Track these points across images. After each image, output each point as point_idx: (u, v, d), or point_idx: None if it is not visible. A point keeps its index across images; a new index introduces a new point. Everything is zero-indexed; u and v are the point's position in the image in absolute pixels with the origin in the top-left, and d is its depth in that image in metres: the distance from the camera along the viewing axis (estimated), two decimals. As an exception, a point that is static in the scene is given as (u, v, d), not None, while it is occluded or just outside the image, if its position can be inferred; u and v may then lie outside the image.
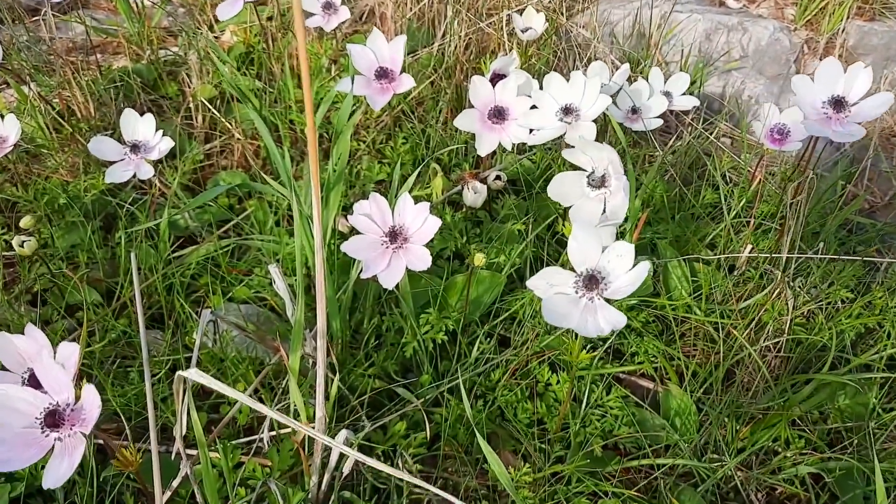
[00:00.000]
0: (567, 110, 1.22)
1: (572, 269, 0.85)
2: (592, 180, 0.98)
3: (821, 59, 2.24)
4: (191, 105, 1.69)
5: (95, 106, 1.68)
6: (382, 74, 1.31)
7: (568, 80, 1.26)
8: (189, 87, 1.76)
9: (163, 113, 1.75)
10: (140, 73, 1.83)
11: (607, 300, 0.83)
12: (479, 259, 1.04)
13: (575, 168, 1.01)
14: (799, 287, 1.24)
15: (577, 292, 0.83)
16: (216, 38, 1.93)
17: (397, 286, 1.06)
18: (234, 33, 1.90)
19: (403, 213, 1.06)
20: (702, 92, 2.05)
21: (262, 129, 1.15)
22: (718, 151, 1.84)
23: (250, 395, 1.03)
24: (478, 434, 0.90)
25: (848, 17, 2.21)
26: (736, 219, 1.41)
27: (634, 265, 0.83)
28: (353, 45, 1.31)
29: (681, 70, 2.08)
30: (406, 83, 1.30)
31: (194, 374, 0.63)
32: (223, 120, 1.65)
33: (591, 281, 0.83)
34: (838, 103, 1.16)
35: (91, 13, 2.18)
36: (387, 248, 1.05)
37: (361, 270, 1.03)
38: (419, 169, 1.34)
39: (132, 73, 1.80)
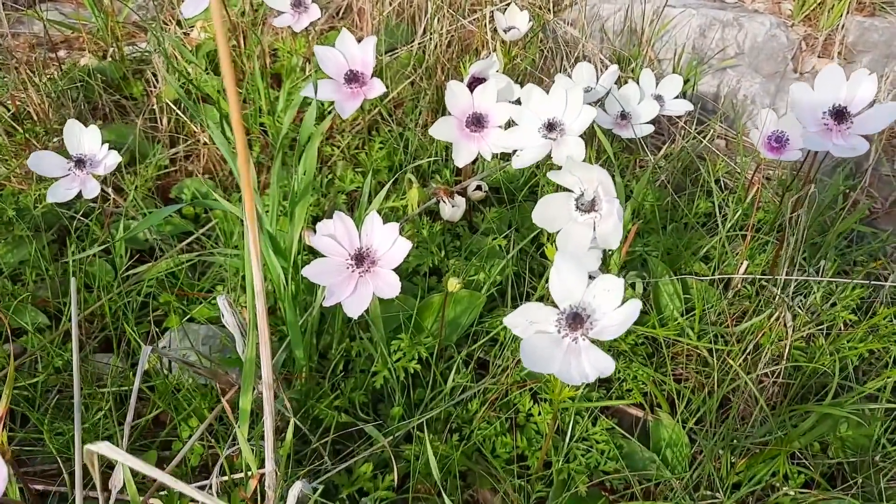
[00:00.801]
0: (550, 126, 1.13)
1: (554, 305, 0.77)
2: (581, 204, 0.89)
3: (819, 57, 2.16)
4: (155, 107, 1.59)
5: (54, 108, 1.58)
6: (352, 78, 1.21)
7: (549, 89, 1.17)
8: (155, 88, 1.66)
9: (126, 115, 1.65)
10: (103, 71, 1.73)
11: (593, 341, 0.75)
12: (454, 285, 0.96)
13: (562, 189, 0.92)
14: (798, 307, 1.16)
15: (559, 331, 0.75)
16: (184, 34, 1.83)
17: (366, 310, 0.97)
18: (202, 30, 1.80)
19: (371, 234, 0.97)
20: (695, 92, 1.97)
21: (220, 141, 1.06)
22: (712, 156, 1.76)
23: (204, 433, 0.95)
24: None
25: (847, 13, 2.12)
26: (731, 231, 1.33)
27: (624, 298, 0.75)
28: (320, 47, 1.22)
29: (674, 69, 2.00)
30: (377, 88, 1.21)
31: (104, 449, 0.55)
32: (189, 123, 1.56)
33: (576, 319, 0.74)
34: (840, 114, 1.07)
35: (58, 6, 2.07)
36: (352, 272, 0.96)
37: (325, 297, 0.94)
38: (392, 180, 1.25)
39: (95, 72, 1.70)
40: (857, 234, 1.53)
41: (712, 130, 1.79)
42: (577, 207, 0.89)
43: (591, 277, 0.96)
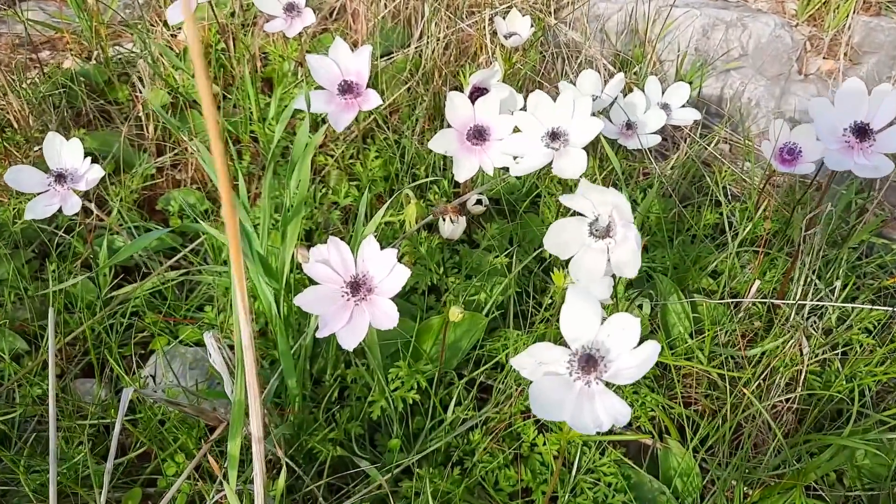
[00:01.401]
0: (554, 135, 1.08)
1: (565, 344, 0.71)
2: (596, 229, 0.83)
3: (824, 58, 2.11)
4: (141, 113, 1.53)
5: (35, 114, 1.52)
6: (346, 89, 1.16)
7: (556, 96, 1.11)
8: (141, 93, 1.60)
9: (111, 121, 1.59)
10: (87, 75, 1.67)
11: (608, 384, 0.69)
12: (456, 315, 0.90)
13: (574, 214, 0.87)
14: (811, 327, 1.12)
15: (571, 374, 0.70)
16: (172, 36, 1.76)
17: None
18: (191, 31, 1.73)
19: (367, 260, 0.92)
20: (700, 95, 1.91)
21: (206, 157, 1.00)
22: (717, 163, 1.71)
23: (191, 472, 0.89)
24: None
25: (853, 13, 2.07)
26: (741, 247, 1.28)
27: (641, 335, 0.69)
28: (313, 56, 1.16)
29: (676, 71, 1.94)
30: (373, 100, 1.15)
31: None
32: (177, 130, 1.50)
33: (589, 362, 0.69)
34: (862, 131, 1.02)
35: (41, 4, 2.00)
36: (347, 300, 0.91)
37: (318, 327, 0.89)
38: (389, 200, 1.19)
39: (78, 76, 1.64)
40: (867, 245, 1.48)
41: (717, 137, 1.74)
42: (591, 233, 0.84)
43: (602, 307, 0.91)
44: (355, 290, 0.90)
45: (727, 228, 1.35)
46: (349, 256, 0.92)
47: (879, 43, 2.07)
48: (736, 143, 1.90)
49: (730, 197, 1.66)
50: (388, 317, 0.88)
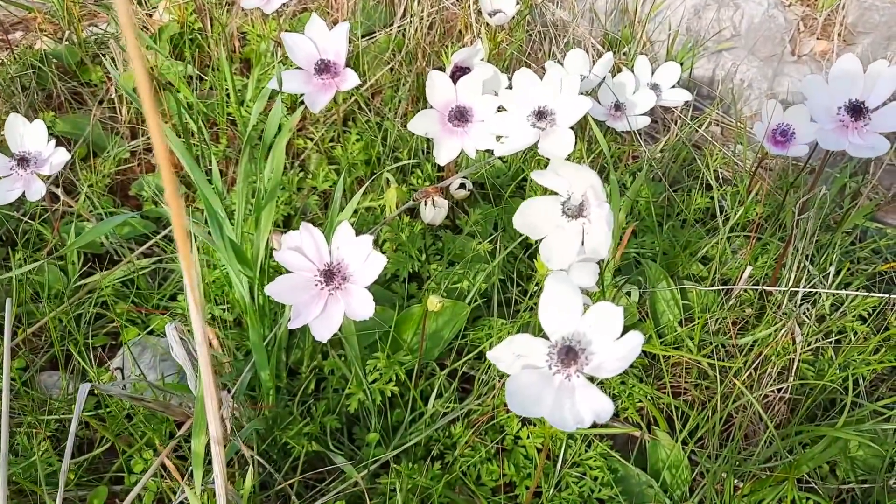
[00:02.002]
0: (540, 114, 1.04)
1: (545, 336, 0.67)
2: (568, 208, 0.79)
3: (818, 39, 2.07)
4: (114, 95, 1.48)
5: (4, 97, 1.46)
6: (324, 69, 1.11)
7: (542, 75, 1.07)
8: (115, 74, 1.54)
9: (83, 104, 1.53)
10: (59, 56, 1.61)
11: (590, 378, 0.66)
12: (435, 304, 0.86)
13: (549, 193, 0.83)
14: (805, 315, 1.08)
15: (550, 367, 0.66)
16: (147, 15, 1.70)
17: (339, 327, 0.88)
18: (167, 10, 1.68)
19: (342, 247, 0.88)
20: (691, 76, 1.87)
21: (176, 143, 0.95)
22: (708, 145, 1.67)
23: (159, 466, 0.85)
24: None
25: (847, -8, 2.03)
26: (732, 232, 1.25)
27: (625, 326, 0.66)
28: (289, 34, 1.11)
29: (667, 52, 1.90)
30: (351, 79, 1.10)
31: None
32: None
33: (569, 354, 0.65)
34: (856, 109, 0.99)
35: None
36: (321, 289, 0.87)
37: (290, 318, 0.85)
38: (369, 181, 1.15)
39: (51, 57, 1.58)
40: (861, 229, 1.45)
41: (708, 119, 1.70)
42: (564, 212, 0.79)
43: (586, 293, 0.87)
44: (329, 278, 0.86)
45: (718, 213, 1.31)
46: (323, 243, 0.88)
47: (874, 23, 2.03)
48: (727, 126, 1.86)
49: (721, 181, 1.62)
50: (363, 306, 0.84)
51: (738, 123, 1.81)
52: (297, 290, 0.86)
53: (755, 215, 1.30)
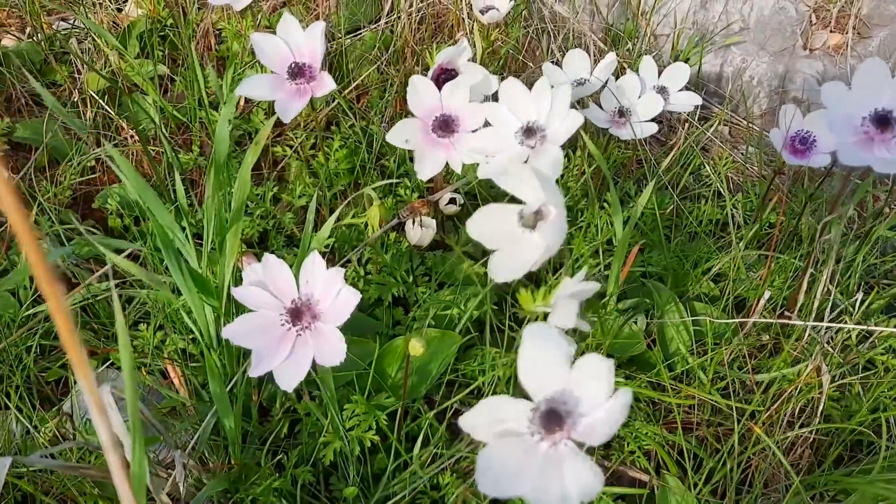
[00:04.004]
0: (529, 131, 0.93)
1: (527, 397, 0.57)
2: (522, 216, 0.68)
3: (831, 31, 1.96)
4: (78, 98, 1.37)
5: (-41, 101, 1.36)
6: (297, 72, 1.00)
7: (533, 81, 0.96)
8: (81, 74, 1.43)
9: (44, 107, 1.42)
10: (23, 54, 1.50)
11: (578, 444, 0.56)
12: (417, 348, 0.76)
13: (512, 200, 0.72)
14: (828, 345, 0.98)
15: (533, 434, 0.56)
16: (118, 10, 1.59)
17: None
18: (137, 4, 1.56)
19: (313, 281, 0.78)
20: (699, 73, 1.76)
21: (120, 159, 0.85)
22: (717, 148, 1.57)
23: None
24: None
25: (863, -18, 1.91)
26: (746, 249, 1.14)
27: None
28: (259, 34, 1.00)
29: (673, 46, 1.79)
30: (327, 84, 0.99)
31: None
32: (116, 117, 1.34)
33: (552, 418, 0.55)
34: (883, 120, 0.88)
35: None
36: (288, 329, 0.76)
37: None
38: (349, 198, 1.04)
39: (13, 55, 1.47)
40: (882, 242, 1.35)
41: (717, 120, 1.59)
42: (520, 221, 0.68)
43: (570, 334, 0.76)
44: (297, 317, 0.76)
45: (731, 225, 1.21)
46: (289, 277, 0.77)
47: (891, 15, 1.92)
48: (737, 126, 1.75)
49: (731, 186, 1.52)
50: (334, 351, 0.74)
51: (749, 124, 1.71)
52: (261, 332, 0.76)
53: (774, 231, 1.20)
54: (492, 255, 0.68)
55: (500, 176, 0.67)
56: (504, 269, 0.67)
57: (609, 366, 0.55)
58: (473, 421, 0.57)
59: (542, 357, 0.57)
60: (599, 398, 0.55)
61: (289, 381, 0.73)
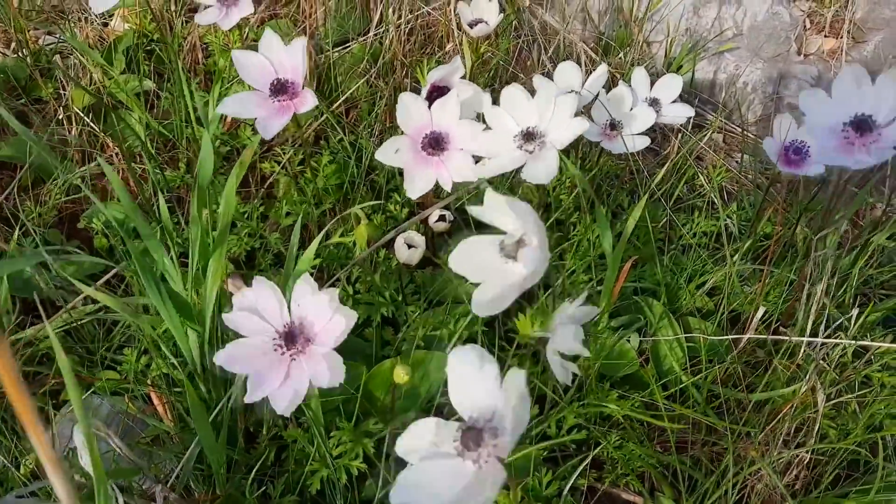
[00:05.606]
0: (528, 135, 0.92)
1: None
2: (503, 247, 0.67)
3: (825, 36, 1.94)
4: (64, 115, 1.35)
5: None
6: (280, 89, 0.98)
7: (530, 85, 0.95)
8: (66, 90, 1.42)
9: (30, 124, 1.40)
10: (7, 70, 1.48)
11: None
12: (401, 376, 0.74)
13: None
14: (823, 360, 0.97)
15: (459, 454, 0.55)
16: (103, 24, 1.57)
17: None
18: (124, 19, 1.55)
19: (304, 304, 0.76)
20: (692, 81, 1.75)
21: (111, 175, 0.83)
22: (710, 157, 1.55)
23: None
24: None
25: (857, -14, 1.90)
26: (741, 262, 1.13)
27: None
28: (239, 52, 0.99)
29: (666, 54, 1.78)
30: (309, 100, 0.98)
31: None
32: (102, 135, 1.32)
33: (472, 435, 0.55)
34: (863, 124, 0.87)
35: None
36: (282, 354, 0.75)
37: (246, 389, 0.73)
38: (328, 227, 1.03)
39: (-2, 71, 1.46)
40: (878, 254, 1.33)
41: (711, 129, 1.57)
42: (501, 253, 0.67)
43: (569, 359, 0.75)
44: (290, 341, 0.75)
45: (725, 238, 1.19)
46: (281, 300, 0.76)
47: (885, 19, 1.91)
48: (731, 133, 1.74)
49: (726, 196, 1.50)
50: (334, 372, 0.73)
51: (743, 131, 1.70)
52: (253, 358, 0.74)
53: (767, 239, 1.18)
54: (474, 292, 0.66)
55: (481, 212, 0.65)
56: (486, 302, 0.65)
57: (522, 377, 0.54)
58: (409, 445, 0.58)
59: (468, 376, 0.56)
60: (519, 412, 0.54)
61: (286, 406, 0.72)
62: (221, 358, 0.75)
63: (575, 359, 0.73)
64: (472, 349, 0.57)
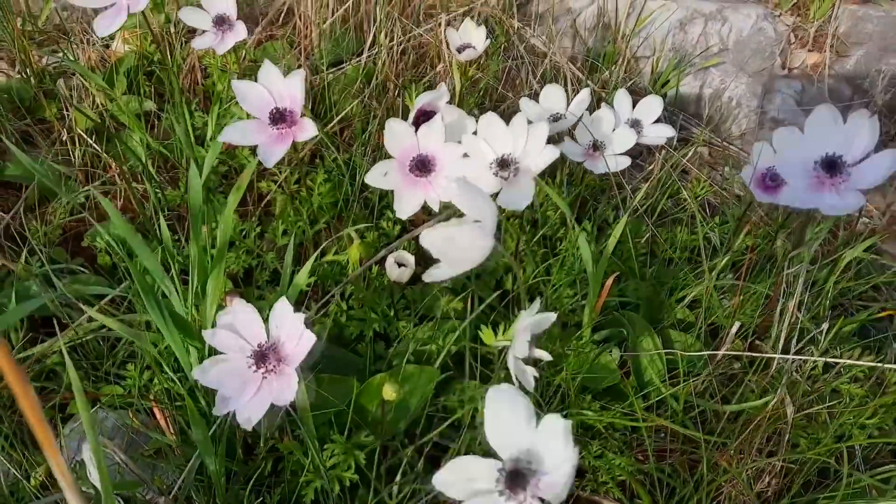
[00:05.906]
0: (503, 163, 0.97)
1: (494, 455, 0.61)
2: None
3: (809, 51, 1.99)
4: (67, 136, 1.40)
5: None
6: (279, 118, 1.03)
7: (510, 117, 1.00)
8: (69, 111, 1.46)
9: (35, 145, 1.45)
10: (12, 91, 1.53)
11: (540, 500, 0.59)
12: (390, 393, 0.79)
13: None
14: (796, 372, 1.01)
15: (500, 494, 0.59)
16: (105, 46, 1.62)
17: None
18: (125, 41, 1.60)
19: (281, 325, 0.81)
20: (677, 96, 1.80)
21: (109, 207, 0.88)
22: (695, 171, 1.60)
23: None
24: None
25: (840, 1, 1.95)
26: (720, 272, 1.17)
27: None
28: (240, 82, 1.04)
29: (652, 69, 1.83)
30: (309, 129, 1.03)
31: None
32: (105, 155, 1.37)
33: (516, 479, 0.58)
34: (832, 165, 0.91)
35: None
36: (255, 372, 0.80)
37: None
38: (322, 247, 1.07)
39: (2, 92, 1.50)
40: (854, 266, 1.38)
41: (695, 144, 1.62)
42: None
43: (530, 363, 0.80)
44: (261, 360, 0.79)
45: (704, 253, 1.24)
46: (257, 320, 0.81)
47: (868, 33, 1.96)
48: (716, 147, 1.79)
49: (709, 209, 1.55)
50: (288, 390, 0.77)
51: (728, 145, 1.74)
52: (228, 375, 0.79)
53: (747, 257, 1.23)
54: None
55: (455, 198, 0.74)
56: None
57: (566, 426, 0.58)
58: (447, 479, 0.60)
59: (506, 418, 0.60)
60: (559, 457, 0.58)
61: (246, 420, 0.77)
62: (198, 373, 0.80)
63: (536, 363, 0.77)
64: (508, 389, 0.61)
